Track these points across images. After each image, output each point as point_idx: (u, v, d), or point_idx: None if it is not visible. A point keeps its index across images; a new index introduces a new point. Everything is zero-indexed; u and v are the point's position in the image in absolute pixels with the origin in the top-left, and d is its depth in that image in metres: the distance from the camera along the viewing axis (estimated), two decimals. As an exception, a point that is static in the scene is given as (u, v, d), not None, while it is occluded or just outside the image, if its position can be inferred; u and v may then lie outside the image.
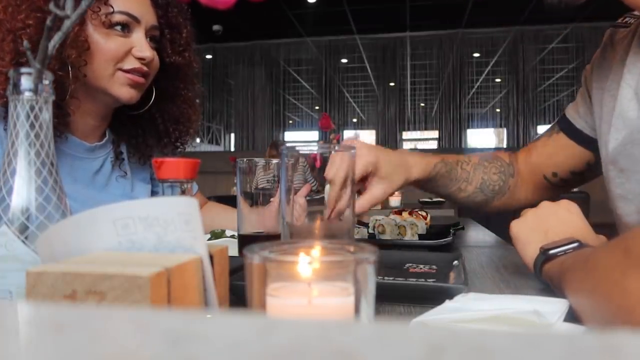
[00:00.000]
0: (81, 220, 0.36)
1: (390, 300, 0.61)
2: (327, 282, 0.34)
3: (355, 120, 10.80)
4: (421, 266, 0.82)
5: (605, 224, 0.97)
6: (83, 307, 0.29)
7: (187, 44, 1.04)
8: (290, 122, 10.82)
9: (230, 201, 1.10)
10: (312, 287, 0.33)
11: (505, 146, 9.60)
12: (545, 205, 0.74)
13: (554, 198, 0.98)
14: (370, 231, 1.13)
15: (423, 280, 0.70)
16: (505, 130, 9.77)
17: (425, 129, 10.23)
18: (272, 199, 0.74)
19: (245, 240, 0.74)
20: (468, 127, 9.97)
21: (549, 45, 8.86)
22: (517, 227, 0.73)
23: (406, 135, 10.27)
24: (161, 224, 0.36)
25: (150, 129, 1.06)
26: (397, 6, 7.45)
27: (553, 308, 0.49)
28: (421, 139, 10.82)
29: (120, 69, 0.93)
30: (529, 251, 0.69)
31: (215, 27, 7.80)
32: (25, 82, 0.42)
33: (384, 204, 3.02)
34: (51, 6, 0.41)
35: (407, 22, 8.22)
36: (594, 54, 0.96)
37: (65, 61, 0.84)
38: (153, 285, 0.30)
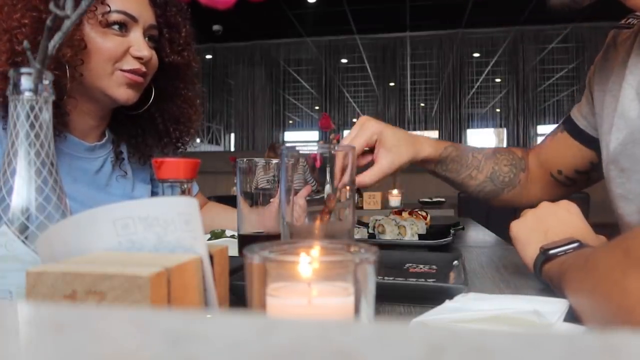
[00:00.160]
0: (81, 220, 0.36)
1: (390, 300, 0.61)
2: (327, 282, 0.34)
3: (355, 120, 10.78)
4: (421, 266, 0.82)
5: (605, 224, 0.97)
6: (83, 307, 0.29)
7: (187, 44, 1.04)
8: (290, 122, 10.81)
9: (230, 201, 1.10)
10: (312, 287, 0.33)
11: (505, 146, 9.60)
12: (545, 205, 0.74)
13: (563, 197, 0.99)
14: (370, 231, 1.13)
15: (423, 280, 0.70)
16: (505, 130, 9.77)
17: (425, 129, 10.22)
18: (272, 199, 0.74)
19: (245, 240, 0.74)
20: (468, 127, 9.96)
21: (549, 45, 8.85)
22: (517, 227, 0.73)
23: (406, 135, 10.25)
24: (161, 224, 0.36)
25: (150, 129, 1.06)
26: (397, 6, 7.45)
27: (553, 308, 0.49)
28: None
29: (119, 69, 0.93)
30: (529, 251, 0.69)
31: (215, 27, 7.80)
32: (25, 82, 0.42)
33: (384, 204, 3.03)
34: (51, 6, 0.41)
35: (407, 22, 8.22)
36: (598, 55, 0.97)
37: (61, 60, 0.84)
38: (153, 285, 0.30)
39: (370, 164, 0.93)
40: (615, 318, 0.40)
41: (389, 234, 1.09)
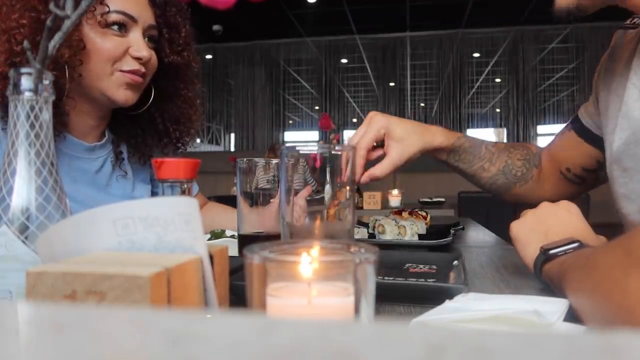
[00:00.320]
0: (81, 220, 0.36)
1: (390, 300, 0.61)
2: (327, 282, 0.34)
3: (355, 120, 10.79)
4: (421, 266, 0.82)
5: (605, 224, 0.97)
6: (83, 307, 0.29)
7: (186, 44, 1.04)
8: (290, 122, 10.81)
9: (230, 201, 1.10)
10: (312, 287, 0.33)
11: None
12: (545, 205, 0.74)
13: (575, 196, 1.00)
14: (370, 231, 1.13)
15: (423, 280, 0.70)
16: (505, 130, 9.77)
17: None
18: (272, 199, 0.74)
19: (245, 240, 0.74)
20: (468, 127, 9.95)
21: (549, 45, 8.85)
22: (517, 227, 0.73)
23: (406, 135, 10.24)
24: (161, 224, 0.36)
25: (150, 129, 1.06)
26: (397, 6, 7.45)
27: (553, 308, 0.49)
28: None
29: (118, 70, 0.93)
30: (529, 251, 0.69)
31: (215, 27, 7.80)
32: (25, 82, 0.42)
33: (384, 204, 3.03)
34: (51, 6, 0.41)
35: (407, 22, 8.22)
36: (604, 55, 0.97)
37: (60, 61, 0.84)
38: (153, 285, 0.30)
39: (382, 158, 0.95)
40: (616, 318, 0.40)
41: (389, 234, 1.09)
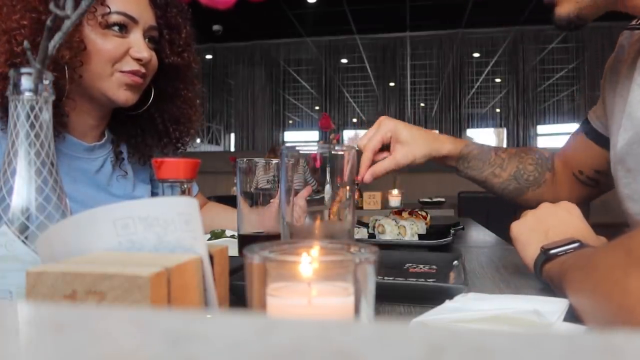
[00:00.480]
0: (81, 220, 0.36)
1: (390, 300, 0.61)
2: (327, 282, 0.34)
3: (355, 120, 10.79)
4: (421, 266, 0.82)
5: (605, 224, 0.97)
6: (83, 307, 0.29)
7: (187, 45, 1.04)
8: (290, 122, 10.81)
9: (230, 201, 1.10)
10: (312, 287, 0.33)
11: (505, 146, 9.60)
12: (545, 206, 0.74)
13: (589, 198, 1.01)
14: (370, 231, 1.13)
15: (423, 280, 0.70)
16: (505, 130, 9.77)
17: (425, 128, 10.20)
18: (272, 199, 0.74)
19: (245, 240, 0.74)
20: (468, 127, 9.95)
21: (549, 45, 8.85)
22: (517, 228, 0.73)
23: (406, 135, 10.24)
24: (161, 224, 0.36)
25: (149, 129, 1.06)
26: (397, 6, 7.45)
27: (553, 308, 0.49)
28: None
29: (118, 71, 0.93)
30: (529, 251, 0.69)
31: (215, 27, 7.80)
32: (26, 82, 0.42)
33: (384, 204, 3.03)
34: (51, 6, 0.41)
35: (407, 22, 8.22)
36: (610, 57, 0.98)
37: (60, 61, 0.84)
38: (153, 285, 0.30)
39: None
40: (617, 318, 0.40)
41: (389, 234, 1.09)
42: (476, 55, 9.41)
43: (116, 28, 0.92)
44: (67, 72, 0.85)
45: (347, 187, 0.58)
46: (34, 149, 0.43)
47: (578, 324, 0.47)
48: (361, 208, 2.90)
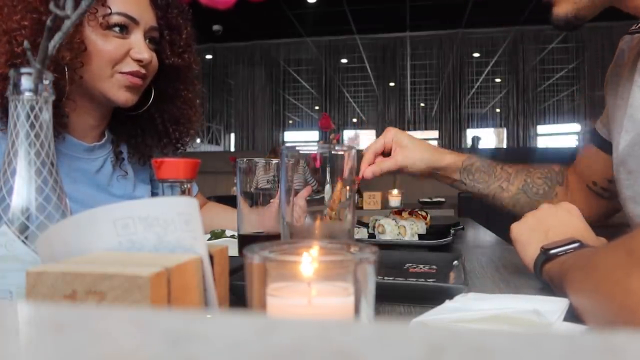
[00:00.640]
0: (81, 220, 0.36)
1: (390, 300, 0.61)
2: (327, 282, 0.34)
3: (355, 120, 10.80)
4: (421, 266, 0.82)
5: (605, 225, 0.97)
6: (83, 307, 0.29)
7: (187, 45, 1.04)
8: (290, 122, 10.81)
9: (230, 201, 1.10)
10: (312, 287, 0.33)
11: (505, 146, 9.60)
12: (545, 207, 0.74)
13: (608, 210, 1.00)
14: (370, 231, 1.13)
15: (423, 280, 0.70)
16: (505, 130, 9.77)
17: (425, 129, 10.22)
18: (272, 199, 0.74)
19: (245, 240, 0.74)
20: (468, 127, 9.96)
21: (549, 45, 8.85)
22: (517, 228, 0.73)
23: (406, 135, 10.24)
24: (161, 224, 0.36)
25: (149, 130, 1.06)
26: (397, 6, 7.45)
27: (553, 307, 0.49)
28: (421, 139, 10.79)
29: (118, 72, 0.93)
30: (529, 252, 0.69)
31: (215, 27, 7.80)
32: (26, 82, 0.42)
33: (384, 204, 3.03)
34: (51, 6, 0.41)
35: (407, 22, 8.22)
36: (611, 63, 0.98)
37: (60, 62, 0.83)
38: (153, 285, 0.30)
39: None
40: (618, 318, 0.40)
41: (389, 234, 1.09)
42: (476, 55, 9.41)
43: (117, 29, 0.92)
44: (67, 73, 0.85)
45: (347, 187, 0.58)
46: (34, 149, 0.43)
47: (578, 324, 0.47)
48: (361, 208, 2.90)
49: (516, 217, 0.77)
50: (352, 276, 0.33)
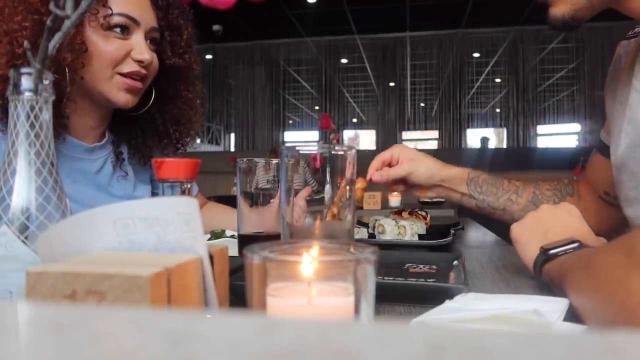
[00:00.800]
0: (81, 220, 0.36)
1: (390, 300, 0.61)
2: (327, 282, 0.34)
3: (355, 120, 10.80)
4: (421, 266, 0.82)
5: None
6: (83, 307, 0.29)
7: (188, 46, 1.04)
8: (290, 122, 10.82)
9: (230, 201, 1.10)
10: (312, 287, 0.33)
11: (505, 146, 9.61)
12: (545, 207, 0.74)
13: (621, 223, 0.99)
14: (370, 231, 1.13)
15: (423, 280, 0.70)
16: (505, 130, 9.77)
17: (425, 129, 10.23)
18: (272, 200, 0.74)
19: (245, 240, 0.74)
20: (468, 127, 9.96)
21: (549, 45, 8.86)
22: (517, 229, 0.73)
23: (406, 135, 10.27)
24: (161, 224, 0.36)
25: (150, 130, 1.06)
26: (397, 6, 7.45)
27: (553, 307, 0.49)
28: (421, 139, 10.81)
29: (119, 73, 0.93)
30: (529, 252, 0.69)
31: (215, 27, 7.80)
32: (26, 82, 0.42)
33: (384, 204, 3.03)
34: (51, 6, 0.41)
35: (407, 22, 8.22)
36: (609, 70, 0.98)
37: (61, 63, 0.83)
38: (153, 285, 0.30)
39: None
40: (618, 318, 0.40)
41: (389, 234, 1.09)
42: (476, 55, 9.42)
43: (118, 30, 0.91)
44: (68, 74, 0.85)
45: (347, 187, 0.58)
46: (34, 149, 0.43)
47: (578, 324, 0.47)
48: (361, 208, 2.90)
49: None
50: (352, 276, 0.33)
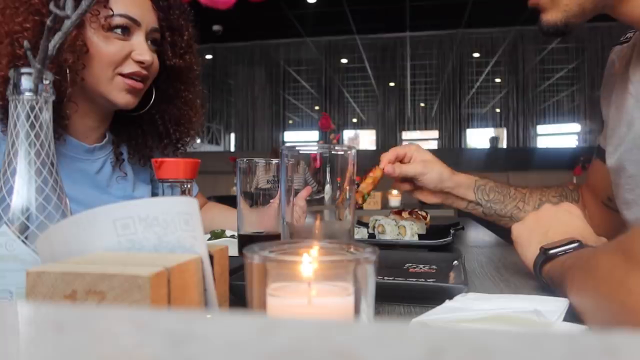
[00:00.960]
0: (81, 220, 0.36)
1: (390, 300, 0.61)
2: (327, 282, 0.34)
3: (355, 120, 10.80)
4: (421, 266, 0.82)
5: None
6: (83, 307, 0.29)
7: (189, 47, 1.04)
8: (290, 122, 10.81)
9: (230, 201, 1.10)
10: (312, 287, 0.33)
11: (505, 146, 9.60)
12: (546, 207, 0.74)
13: (625, 229, 0.98)
14: (370, 231, 1.13)
15: (423, 280, 0.70)
16: (505, 130, 9.77)
17: (425, 129, 10.23)
18: (272, 200, 0.74)
19: (245, 240, 0.74)
20: (468, 127, 9.96)
21: (549, 45, 8.85)
22: (518, 229, 0.73)
23: (406, 135, 10.27)
24: (161, 224, 0.36)
25: (150, 130, 1.06)
26: (397, 6, 7.45)
27: (553, 307, 0.49)
28: (421, 139, 10.81)
29: (119, 74, 0.93)
30: (529, 252, 0.69)
31: (215, 27, 7.80)
32: (26, 82, 0.42)
33: (384, 204, 3.03)
34: (51, 6, 0.41)
35: (407, 22, 8.22)
36: (604, 76, 0.98)
37: (62, 64, 0.83)
38: (153, 285, 0.30)
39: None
40: (618, 318, 0.40)
41: (389, 234, 1.09)
42: (476, 55, 9.42)
43: (119, 31, 0.91)
44: (69, 75, 0.85)
45: (347, 187, 0.58)
46: (34, 149, 0.43)
47: (578, 324, 0.47)
48: (361, 208, 2.89)
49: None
50: (352, 276, 0.33)
